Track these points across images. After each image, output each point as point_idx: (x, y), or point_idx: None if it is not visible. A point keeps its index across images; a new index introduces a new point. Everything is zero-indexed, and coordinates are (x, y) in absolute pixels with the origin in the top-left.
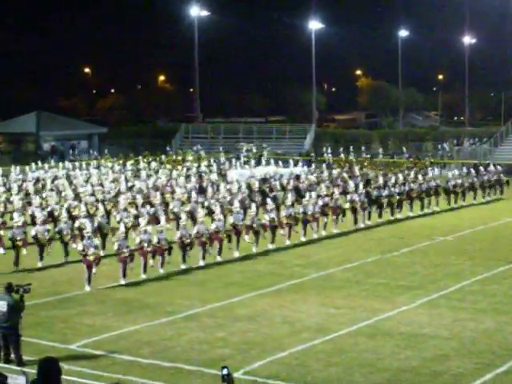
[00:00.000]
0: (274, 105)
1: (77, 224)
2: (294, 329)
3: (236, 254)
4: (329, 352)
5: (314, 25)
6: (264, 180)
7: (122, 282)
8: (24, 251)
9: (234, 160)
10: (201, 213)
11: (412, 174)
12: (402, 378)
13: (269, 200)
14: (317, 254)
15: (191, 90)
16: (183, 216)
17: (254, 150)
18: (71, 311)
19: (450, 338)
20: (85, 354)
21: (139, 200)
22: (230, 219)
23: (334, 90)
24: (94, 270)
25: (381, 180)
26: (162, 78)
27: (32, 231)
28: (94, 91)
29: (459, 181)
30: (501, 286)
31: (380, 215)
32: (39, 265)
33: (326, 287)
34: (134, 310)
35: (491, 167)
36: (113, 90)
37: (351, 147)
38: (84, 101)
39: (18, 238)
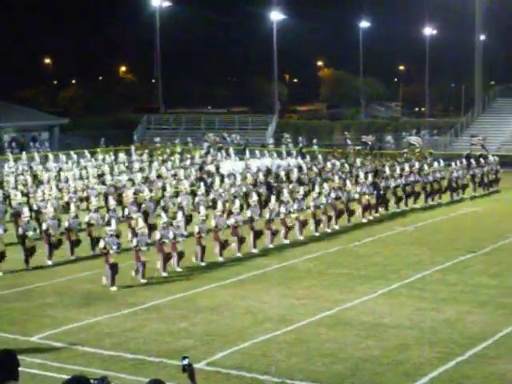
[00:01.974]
0: (237, 96)
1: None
2: (256, 319)
3: (254, 251)
4: (291, 342)
5: (276, 16)
6: (268, 171)
7: (164, 274)
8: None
9: (223, 152)
10: (220, 206)
11: (417, 165)
12: (363, 367)
13: (285, 191)
14: (279, 245)
15: (153, 80)
16: (202, 210)
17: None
18: (32, 303)
19: (411, 327)
20: (46, 346)
21: (146, 193)
22: (247, 213)
23: (295, 80)
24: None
25: (387, 171)
26: (123, 68)
27: (65, 223)
28: (55, 82)
29: (460, 172)
30: (461, 276)
31: (386, 207)
32: (72, 257)
33: (288, 278)
34: (96, 302)
35: (490, 158)
36: (74, 81)
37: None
38: (45, 92)
39: (52, 232)
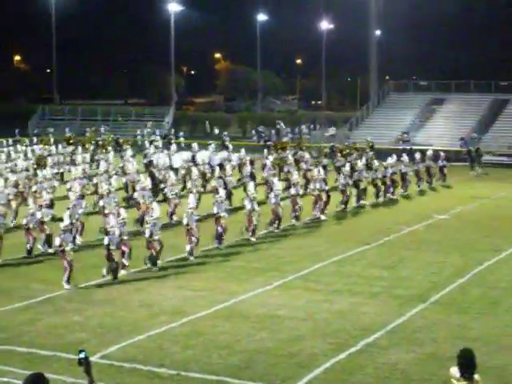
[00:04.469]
0: (134, 87)
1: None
2: (151, 312)
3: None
4: (186, 334)
5: (174, 7)
6: (221, 166)
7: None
8: None
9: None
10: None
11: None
12: (257, 359)
13: (275, 181)
14: (173, 237)
15: (48, 70)
16: (192, 201)
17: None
18: None
19: (305, 318)
20: None
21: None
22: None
23: (192, 72)
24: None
25: (360, 164)
26: (17, 57)
27: (23, 220)
28: None
29: (409, 167)
30: (355, 267)
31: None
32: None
33: (183, 270)
34: None
35: (428, 153)
36: None
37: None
38: None
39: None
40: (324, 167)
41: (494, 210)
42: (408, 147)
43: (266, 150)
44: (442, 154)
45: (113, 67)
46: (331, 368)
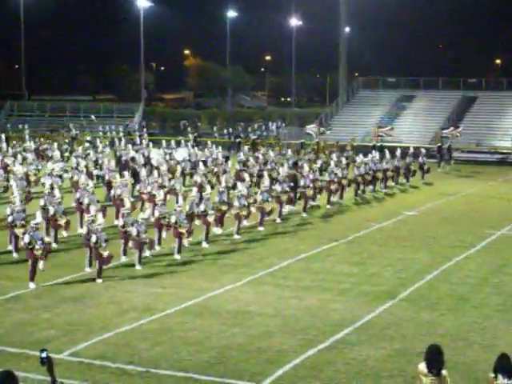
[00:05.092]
0: (103, 83)
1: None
2: (120, 309)
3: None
4: (156, 331)
5: (143, 3)
6: (205, 163)
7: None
8: None
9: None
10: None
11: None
12: (228, 355)
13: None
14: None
15: (17, 66)
16: (180, 200)
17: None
18: None
19: (275, 315)
20: None
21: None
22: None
23: (162, 69)
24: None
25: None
26: None
27: (9, 218)
28: None
29: (390, 164)
30: (324, 264)
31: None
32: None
33: (153, 267)
34: None
35: (411, 150)
36: None
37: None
38: None
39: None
40: (296, 163)
41: (462, 206)
42: (378, 144)
43: (246, 148)
44: (423, 150)
45: (82, 63)
46: (301, 364)
